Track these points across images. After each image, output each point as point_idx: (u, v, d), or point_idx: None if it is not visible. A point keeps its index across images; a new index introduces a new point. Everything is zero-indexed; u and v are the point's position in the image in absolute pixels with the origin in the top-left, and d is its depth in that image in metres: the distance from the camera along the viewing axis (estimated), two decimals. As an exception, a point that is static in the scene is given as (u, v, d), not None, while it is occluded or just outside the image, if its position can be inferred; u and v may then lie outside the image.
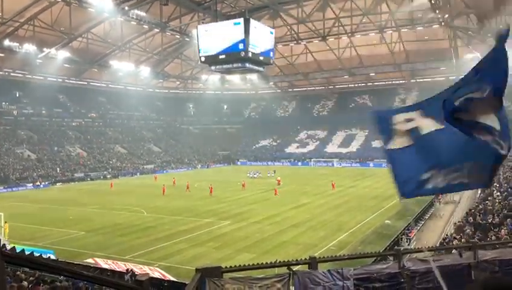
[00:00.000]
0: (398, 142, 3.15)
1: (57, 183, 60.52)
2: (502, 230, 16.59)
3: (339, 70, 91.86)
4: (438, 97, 3.02)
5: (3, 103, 74.41)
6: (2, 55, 65.55)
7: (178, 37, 74.77)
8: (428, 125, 3.07)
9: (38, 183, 57.63)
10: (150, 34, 73.06)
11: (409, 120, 3.15)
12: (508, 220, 17.91)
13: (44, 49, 65.24)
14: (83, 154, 75.14)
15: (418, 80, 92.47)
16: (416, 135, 3.10)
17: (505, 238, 14.74)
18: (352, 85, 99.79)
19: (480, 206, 22.26)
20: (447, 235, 21.19)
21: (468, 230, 17.89)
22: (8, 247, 17.02)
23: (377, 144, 64.60)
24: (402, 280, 4.83)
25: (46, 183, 59.27)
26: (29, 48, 63.12)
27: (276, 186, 46.68)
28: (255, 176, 61.43)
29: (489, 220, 18.88)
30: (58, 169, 66.07)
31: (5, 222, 26.54)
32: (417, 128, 3.11)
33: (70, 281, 11.31)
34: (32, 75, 74.74)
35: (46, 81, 76.56)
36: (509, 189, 24.41)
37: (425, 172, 3.02)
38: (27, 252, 2.52)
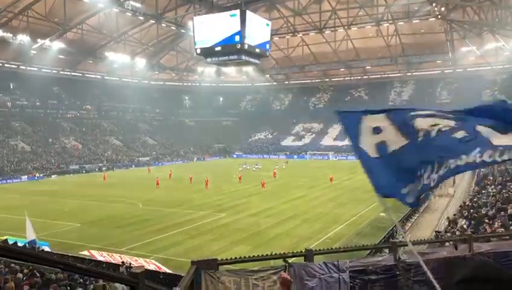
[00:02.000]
0: (369, 149, 3.04)
1: (52, 176, 60.31)
2: (496, 223, 16.69)
3: (335, 63, 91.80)
4: (404, 108, 3.14)
5: (-3, 94, 73.83)
6: (-5, 46, 64.90)
7: (174, 28, 74.28)
8: (395, 141, 3.01)
9: (32, 175, 57.37)
10: (145, 25, 72.55)
11: (376, 130, 3.05)
12: (502, 213, 18.03)
13: (39, 40, 64.68)
14: (77, 147, 74.79)
15: (413, 73, 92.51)
16: (383, 152, 3.03)
17: (499, 231, 14.84)
18: (348, 78, 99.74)
19: (475, 199, 22.41)
20: (439, 230, 21.33)
21: (462, 223, 18.01)
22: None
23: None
24: (397, 273, 4.85)
25: (41, 175, 59.02)
26: (23, 38, 62.55)
27: (265, 179, 46.04)
28: (249, 168, 61.37)
29: (483, 213, 18.99)
30: (53, 161, 65.79)
31: None
32: (385, 143, 3.03)
33: (65, 273, 11.29)
34: (26, 66, 74.02)
35: (41, 72, 75.89)
36: (502, 182, 24.57)
37: (404, 187, 2.98)
38: (21, 244, 2.49)
